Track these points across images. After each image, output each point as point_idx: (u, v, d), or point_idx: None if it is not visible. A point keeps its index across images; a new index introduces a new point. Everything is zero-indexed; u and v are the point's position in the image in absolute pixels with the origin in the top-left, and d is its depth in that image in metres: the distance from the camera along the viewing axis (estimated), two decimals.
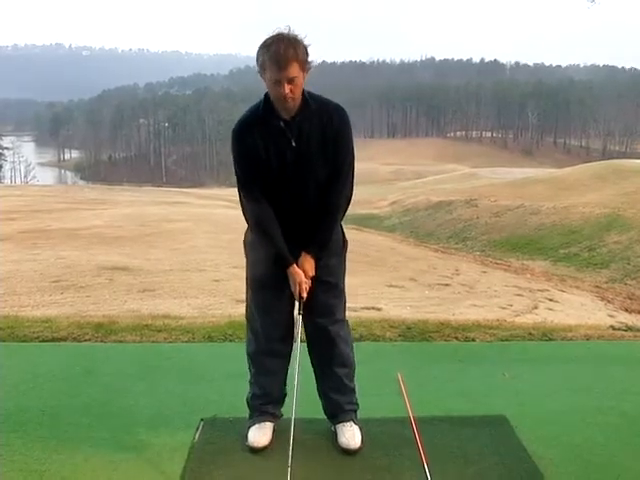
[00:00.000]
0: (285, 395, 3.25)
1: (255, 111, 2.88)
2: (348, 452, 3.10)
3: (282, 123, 2.81)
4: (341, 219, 3.03)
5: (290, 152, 2.83)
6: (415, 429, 3.31)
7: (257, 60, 2.74)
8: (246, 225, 3.06)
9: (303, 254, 2.94)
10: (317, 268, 2.98)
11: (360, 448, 3.12)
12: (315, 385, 3.25)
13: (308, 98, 2.83)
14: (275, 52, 2.65)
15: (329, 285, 3.05)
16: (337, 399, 3.20)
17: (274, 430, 3.20)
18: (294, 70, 2.68)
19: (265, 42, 2.71)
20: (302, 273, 2.91)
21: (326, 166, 2.89)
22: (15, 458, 3.04)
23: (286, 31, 2.72)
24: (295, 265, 2.92)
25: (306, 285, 2.93)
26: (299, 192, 2.89)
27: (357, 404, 3.25)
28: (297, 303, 2.97)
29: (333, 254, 3.05)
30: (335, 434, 3.19)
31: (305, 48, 2.74)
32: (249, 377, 3.24)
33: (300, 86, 2.75)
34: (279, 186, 2.88)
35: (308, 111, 2.82)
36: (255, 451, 3.09)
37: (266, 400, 3.20)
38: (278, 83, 2.69)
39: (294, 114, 2.81)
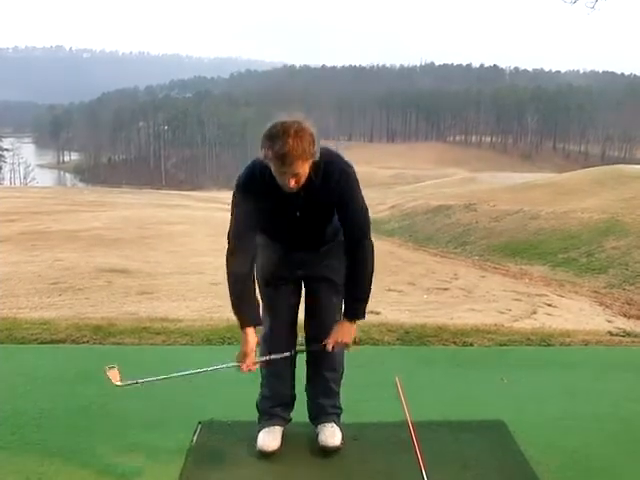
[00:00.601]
0: (294, 398, 3.25)
1: (260, 174, 2.78)
2: (326, 450, 3.10)
3: (286, 194, 2.78)
4: (373, 269, 2.99)
5: (293, 218, 2.89)
6: (413, 433, 3.31)
7: (260, 147, 2.66)
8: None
9: (345, 320, 2.98)
10: (319, 267, 3.02)
11: (339, 447, 3.12)
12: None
13: (312, 175, 2.75)
14: (279, 151, 2.58)
15: (331, 283, 3.05)
16: (322, 402, 3.21)
17: (283, 434, 3.19)
18: (299, 165, 2.63)
19: (269, 134, 2.62)
20: (253, 344, 2.87)
21: (331, 222, 2.95)
22: (12, 460, 3.04)
23: (290, 119, 2.63)
24: (253, 331, 2.88)
25: (250, 365, 2.87)
26: (304, 235, 2.97)
27: (340, 408, 3.25)
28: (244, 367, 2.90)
29: (335, 256, 3.03)
30: (316, 435, 3.19)
31: (311, 137, 2.63)
32: (260, 379, 3.23)
33: (305, 175, 2.70)
34: (282, 238, 3.00)
35: (312, 186, 2.77)
36: (265, 455, 3.08)
37: (275, 403, 3.20)
38: (283, 174, 2.67)
39: (298, 189, 2.78)
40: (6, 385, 3.94)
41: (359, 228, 2.92)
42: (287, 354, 2.99)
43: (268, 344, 3.08)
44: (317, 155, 2.68)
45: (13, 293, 8.27)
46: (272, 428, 3.17)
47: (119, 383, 2.84)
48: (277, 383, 3.19)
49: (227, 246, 2.89)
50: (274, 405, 3.21)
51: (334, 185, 2.80)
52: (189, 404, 3.68)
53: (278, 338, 3.09)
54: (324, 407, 3.21)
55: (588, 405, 3.86)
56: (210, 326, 5.26)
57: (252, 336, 2.87)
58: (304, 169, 2.67)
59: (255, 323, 2.90)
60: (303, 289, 3.15)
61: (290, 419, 3.26)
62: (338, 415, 3.24)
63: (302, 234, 2.97)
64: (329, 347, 2.96)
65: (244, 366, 2.86)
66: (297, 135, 2.59)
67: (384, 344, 4.91)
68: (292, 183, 2.68)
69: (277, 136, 2.59)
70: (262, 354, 3.09)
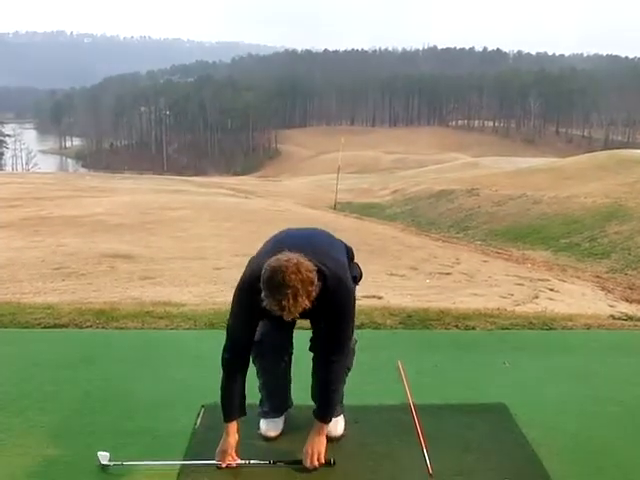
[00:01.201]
0: (290, 382, 3.26)
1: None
2: (330, 439, 3.10)
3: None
4: (341, 389, 3.07)
5: (291, 324, 3.01)
6: (415, 416, 3.33)
7: (260, 291, 2.62)
8: (258, 230, 3.07)
9: (312, 432, 2.96)
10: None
11: (343, 435, 3.17)
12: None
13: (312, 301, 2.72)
14: (279, 309, 2.59)
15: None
16: (323, 393, 3.15)
17: (285, 419, 3.25)
18: (297, 314, 2.64)
19: (269, 283, 2.58)
20: (234, 442, 2.92)
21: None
22: (17, 442, 3.07)
23: (288, 261, 2.58)
24: (235, 427, 2.93)
25: (230, 461, 2.90)
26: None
27: (342, 395, 3.22)
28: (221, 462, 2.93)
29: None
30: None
31: (310, 279, 2.60)
32: (256, 366, 3.21)
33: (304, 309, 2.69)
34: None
35: (311, 307, 2.71)
36: (267, 440, 3.15)
37: (275, 394, 3.23)
38: (281, 316, 2.65)
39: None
40: (10, 369, 3.96)
41: (343, 339, 2.93)
42: (265, 462, 2.94)
43: (259, 348, 3.08)
44: (316, 291, 2.64)
45: (16, 278, 8.30)
46: (273, 419, 3.22)
47: (106, 462, 2.85)
48: (273, 379, 3.21)
49: (224, 342, 2.96)
50: (274, 397, 3.25)
51: (330, 300, 2.78)
52: (192, 387, 3.70)
53: (269, 343, 3.10)
54: (327, 400, 3.14)
55: (589, 388, 3.87)
56: (213, 310, 5.26)
57: (233, 432, 2.93)
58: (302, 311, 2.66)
59: (239, 416, 2.97)
60: None
61: (291, 404, 3.29)
62: (340, 403, 3.22)
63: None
64: (308, 464, 2.92)
65: (223, 464, 2.91)
66: (296, 287, 2.55)
67: (386, 328, 4.92)
68: (289, 318, 2.69)
69: (276, 290, 2.56)
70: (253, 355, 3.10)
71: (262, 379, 3.22)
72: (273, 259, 2.64)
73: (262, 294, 2.61)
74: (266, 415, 3.23)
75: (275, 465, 2.92)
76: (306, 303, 2.60)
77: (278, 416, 3.25)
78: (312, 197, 34.44)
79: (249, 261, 2.97)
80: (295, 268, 2.57)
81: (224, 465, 2.91)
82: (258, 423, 3.21)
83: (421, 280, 10.27)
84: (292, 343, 3.21)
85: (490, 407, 3.52)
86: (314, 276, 2.62)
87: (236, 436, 2.94)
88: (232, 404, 2.95)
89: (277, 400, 3.26)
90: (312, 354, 3.16)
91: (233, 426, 2.94)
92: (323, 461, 2.93)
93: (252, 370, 3.21)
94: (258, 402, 3.27)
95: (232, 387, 2.94)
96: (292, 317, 2.65)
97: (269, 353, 3.12)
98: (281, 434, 3.19)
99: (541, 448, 3.11)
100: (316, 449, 2.94)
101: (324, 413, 3.00)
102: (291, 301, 2.56)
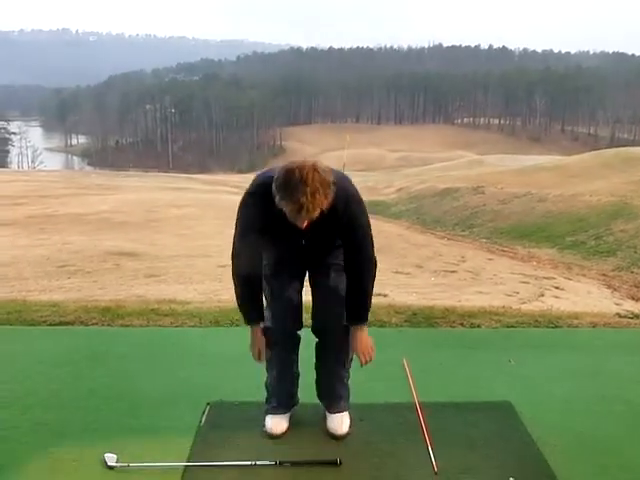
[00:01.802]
0: (298, 377, 3.26)
1: (272, 193, 2.65)
2: (335, 437, 3.13)
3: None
4: (374, 280, 3.03)
5: (299, 244, 2.91)
6: (420, 414, 3.32)
7: (274, 193, 2.58)
8: None
9: (352, 330, 3.02)
10: (325, 259, 3.03)
11: (348, 433, 3.16)
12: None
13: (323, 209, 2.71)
14: (294, 207, 2.54)
15: (337, 266, 3.03)
16: (330, 385, 3.23)
17: (291, 416, 3.23)
18: (315, 216, 2.60)
19: (284, 183, 2.54)
20: (264, 340, 3.00)
21: (336, 246, 2.97)
22: (23, 440, 3.07)
23: (304, 162, 2.56)
24: (259, 328, 3.01)
25: (368, 353, 3.03)
26: (310, 250, 2.97)
27: (349, 389, 3.26)
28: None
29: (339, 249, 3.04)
30: (325, 418, 3.22)
31: (327, 180, 2.56)
32: (266, 363, 3.23)
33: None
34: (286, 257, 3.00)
35: (322, 216, 2.69)
36: (272, 437, 3.13)
37: (282, 389, 3.21)
38: (296, 220, 2.65)
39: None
40: (16, 366, 3.97)
41: (364, 248, 2.94)
42: (272, 463, 2.90)
43: (271, 330, 3.09)
44: (332, 195, 2.60)
45: (22, 276, 8.33)
46: (279, 415, 3.20)
47: (113, 464, 2.85)
48: (283, 369, 3.19)
49: (232, 249, 2.94)
50: (281, 390, 3.22)
51: (341, 212, 2.78)
52: (197, 385, 3.70)
53: (281, 324, 3.09)
54: (331, 390, 3.22)
55: (595, 387, 3.86)
56: (218, 308, 5.27)
57: (260, 332, 3.02)
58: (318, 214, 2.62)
59: (262, 319, 3.02)
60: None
61: (297, 401, 3.28)
62: (345, 398, 3.24)
63: (307, 259, 3.02)
64: (363, 362, 3.04)
65: (261, 360, 3.07)
66: (315, 186, 2.52)
67: (391, 326, 4.91)
68: (304, 225, 2.67)
69: (294, 189, 2.51)
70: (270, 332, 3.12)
71: (271, 369, 3.20)
72: (287, 163, 2.62)
73: (277, 198, 2.57)
74: (273, 411, 3.20)
75: (281, 466, 2.91)
76: (324, 203, 2.56)
77: (285, 412, 3.22)
78: None
79: (254, 177, 2.92)
80: (312, 167, 2.55)
81: (262, 360, 3.05)
82: (263, 422, 3.19)
83: (426, 278, 10.26)
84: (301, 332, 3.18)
85: (495, 405, 3.51)
86: (330, 179, 2.58)
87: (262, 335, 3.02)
88: (254, 308, 3.01)
89: (285, 394, 3.22)
90: (314, 350, 3.17)
91: (258, 327, 3.02)
92: (373, 357, 3.03)
93: (260, 369, 3.21)
94: (264, 400, 3.26)
95: (250, 292, 2.98)
96: (309, 219, 2.59)
97: (280, 341, 3.10)
98: (286, 433, 3.16)
99: (546, 446, 3.09)
100: (365, 345, 3.02)
101: (361, 314, 3.03)
102: (309, 198, 2.49)
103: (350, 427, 3.19)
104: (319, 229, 2.77)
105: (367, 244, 2.94)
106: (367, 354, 3.03)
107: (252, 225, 2.85)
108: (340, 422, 3.17)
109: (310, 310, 3.16)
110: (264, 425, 3.18)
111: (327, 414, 3.23)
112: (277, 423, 3.17)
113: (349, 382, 3.27)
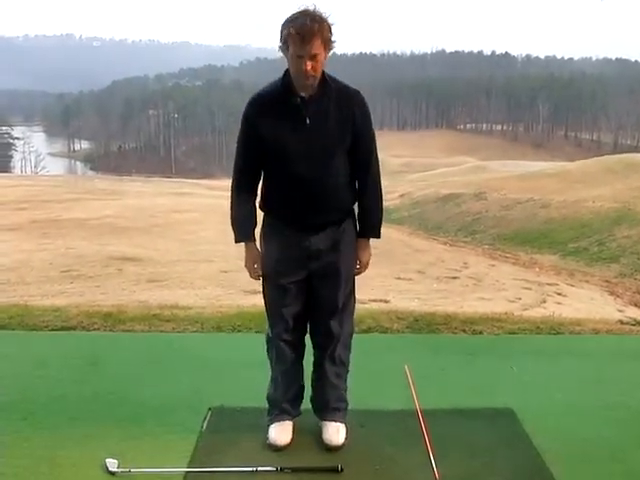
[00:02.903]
0: (303, 390, 3.22)
1: (273, 86, 2.89)
2: (330, 449, 3.08)
3: (299, 100, 2.81)
4: (382, 196, 3.08)
5: (304, 129, 2.83)
6: (422, 421, 3.32)
7: (280, 34, 2.72)
8: (261, 217, 3.05)
9: (359, 241, 3.06)
10: (331, 256, 2.96)
11: (343, 445, 3.09)
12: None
13: (327, 78, 2.83)
14: (300, 26, 2.64)
15: (338, 276, 3.00)
16: (325, 396, 3.19)
17: (294, 426, 3.18)
18: (317, 46, 2.67)
19: (290, 17, 2.71)
20: (258, 254, 3.02)
21: (342, 145, 2.89)
22: (24, 445, 3.07)
23: (312, 8, 2.70)
24: (254, 243, 3.03)
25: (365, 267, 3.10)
26: (313, 169, 2.86)
27: (346, 402, 3.22)
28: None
29: (349, 241, 3.02)
30: (320, 429, 3.17)
31: (329, 26, 2.72)
32: (270, 373, 3.21)
33: (321, 64, 2.74)
34: (293, 162, 2.85)
35: (327, 89, 2.83)
36: (277, 449, 3.07)
37: (285, 398, 3.17)
38: (300, 58, 2.68)
39: (312, 92, 2.81)
40: (18, 371, 3.97)
41: (374, 159, 3.00)
42: (272, 469, 2.88)
43: (274, 351, 3.10)
44: (333, 46, 2.75)
45: (25, 281, 8.35)
46: (283, 423, 3.15)
47: (114, 470, 2.84)
48: (287, 380, 3.16)
49: (232, 179, 3.01)
50: (284, 400, 3.18)
51: (345, 102, 2.87)
52: (199, 390, 3.70)
53: (284, 344, 3.08)
54: (327, 402, 3.18)
55: (597, 394, 3.85)
56: (220, 313, 5.27)
57: (255, 247, 3.04)
58: (321, 55, 2.71)
59: (253, 236, 3.06)
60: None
61: (300, 413, 3.23)
62: (342, 410, 3.19)
63: (313, 164, 2.85)
64: (358, 273, 3.11)
65: (255, 275, 3.05)
66: (316, 18, 2.67)
67: (393, 332, 4.90)
68: (309, 66, 2.69)
69: (297, 16, 2.68)
70: (271, 341, 3.12)
71: (277, 376, 3.17)
72: None
73: (282, 34, 2.69)
74: (277, 419, 3.15)
75: (282, 472, 2.90)
76: (326, 31, 2.69)
77: (289, 419, 3.17)
78: None
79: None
80: (315, 10, 2.70)
81: (256, 278, 3.05)
82: (267, 433, 3.13)
83: (428, 284, 10.27)
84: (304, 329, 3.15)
85: (497, 412, 3.50)
86: (331, 26, 2.73)
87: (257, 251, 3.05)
88: (250, 225, 3.03)
89: (289, 401, 3.18)
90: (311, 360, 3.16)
91: (252, 243, 3.04)
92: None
93: (262, 375, 3.21)
94: (266, 412, 3.21)
95: (247, 213, 3.01)
96: (312, 41, 2.65)
97: (287, 348, 3.09)
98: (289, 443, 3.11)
99: (548, 453, 3.08)
100: (367, 260, 3.10)
101: (373, 230, 3.10)
102: (311, 20, 2.65)
103: (346, 437, 3.13)
104: (322, 120, 2.83)
105: (374, 161, 3.01)
106: (364, 267, 3.12)
107: (255, 137, 2.88)
108: (335, 431, 3.12)
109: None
110: (267, 438, 3.11)
111: (321, 424, 3.18)
112: (281, 431, 3.12)
113: (347, 393, 3.23)
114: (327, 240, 2.95)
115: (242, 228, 3.02)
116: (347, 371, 3.20)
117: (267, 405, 3.23)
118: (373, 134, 3.01)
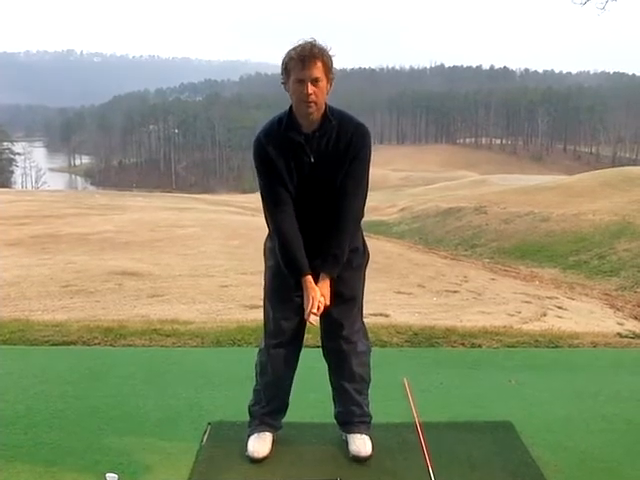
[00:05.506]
0: (287, 406, 3.23)
1: (277, 123, 2.86)
2: (359, 460, 3.10)
3: (302, 137, 2.81)
4: (353, 235, 2.96)
5: (308, 167, 2.84)
6: (420, 434, 3.33)
7: (282, 66, 2.75)
8: (266, 232, 3.04)
9: (320, 276, 2.88)
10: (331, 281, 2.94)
11: (371, 455, 3.12)
12: (327, 391, 3.27)
13: (329, 113, 2.82)
14: (301, 50, 2.68)
15: (342, 299, 2.99)
16: (347, 411, 3.20)
17: (274, 440, 3.17)
18: (318, 70, 2.68)
19: (292, 47, 2.74)
20: (317, 289, 2.85)
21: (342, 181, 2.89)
22: (25, 459, 3.08)
23: (312, 41, 2.74)
24: (311, 277, 2.86)
25: (320, 304, 2.84)
26: (315, 206, 2.88)
27: (370, 415, 3.24)
28: (309, 315, 2.84)
29: (349, 266, 2.99)
30: (346, 442, 3.19)
31: (330, 56, 2.75)
32: (254, 383, 3.23)
33: (323, 92, 2.74)
34: (296, 199, 2.87)
35: (329, 126, 2.81)
36: (254, 461, 3.06)
37: (268, 410, 3.18)
38: (302, 83, 2.68)
39: (315, 128, 2.81)
40: (19, 386, 3.99)
41: (357, 183, 2.88)
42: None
43: (261, 362, 3.12)
44: (334, 78, 2.77)
45: (25, 296, 8.35)
46: (262, 434, 3.15)
47: None
48: (275, 391, 3.17)
49: (264, 206, 2.90)
50: (267, 412, 3.18)
51: (347, 139, 2.83)
52: (199, 405, 3.71)
53: (275, 356, 3.09)
54: (350, 415, 3.20)
55: (596, 406, 3.86)
56: (220, 328, 5.29)
57: (312, 282, 2.86)
58: (323, 82, 2.72)
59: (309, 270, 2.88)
60: None
61: (281, 427, 3.23)
62: (366, 423, 3.22)
63: (316, 195, 2.87)
64: (310, 311, 2.84)
65: (316, 313, 2.83)
66: (317, 45, 2.71)
67: (392, 346, 4.93)
68: (310, 90, 2.69)
69: (299, 44, 2.72)
70: (261, 353, 3.13)
71: (260, 387, 3.17)
72: None
73: (284, 60, 2.73)
74: (256, 430, 3.15)
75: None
76: (326, 57, 2.72)
77: (269, 431, 3.16)
78: None
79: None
80: (318, 43, 2.74)
81: (317, 313, 2.82)
82: (245, 445, 3.12)
83: (428, 298, 10.27)
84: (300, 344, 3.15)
85: (496, 425, 3.51)
86: (331, 59, 2.77)
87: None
88: (303, 257, 2.87)
89: (269, 414, 3.17)
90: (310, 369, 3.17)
91: (309, 277, 2.86)
92: (327, 304, 2.87)
93: (245, 383, 3.22)
94: (247, 424, 3.22)
95: (296, 242, 2.86)
96: (313, 64, 2.67)
97: (276, 361, 3.09)
98: (267, 457, 3.09)
99: (547, 467, 3.09)
100: (322, 295, 2.85)
101: (332, 267, 2.89)
102: (312, 46, 2.69)
103: (373, 450, 3.14)
104: (325, 158, 2.82)
105: (360, 193, 2.90)
106: (316, 307, 2.84)
107: (275, 169, 2.83)
108: (362, 443, 3.14)
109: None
110: (246, 450, 3.10)
111: (347, 437, 3.20)
112: (259, 442, 3.11)
113: (369, 407, 3.24)
114: None
115: (300, 263, 2.88)
116: (368, 386, 3.22)
117: (247, 415, 3.23)
118: (367, 165, 2.89)
